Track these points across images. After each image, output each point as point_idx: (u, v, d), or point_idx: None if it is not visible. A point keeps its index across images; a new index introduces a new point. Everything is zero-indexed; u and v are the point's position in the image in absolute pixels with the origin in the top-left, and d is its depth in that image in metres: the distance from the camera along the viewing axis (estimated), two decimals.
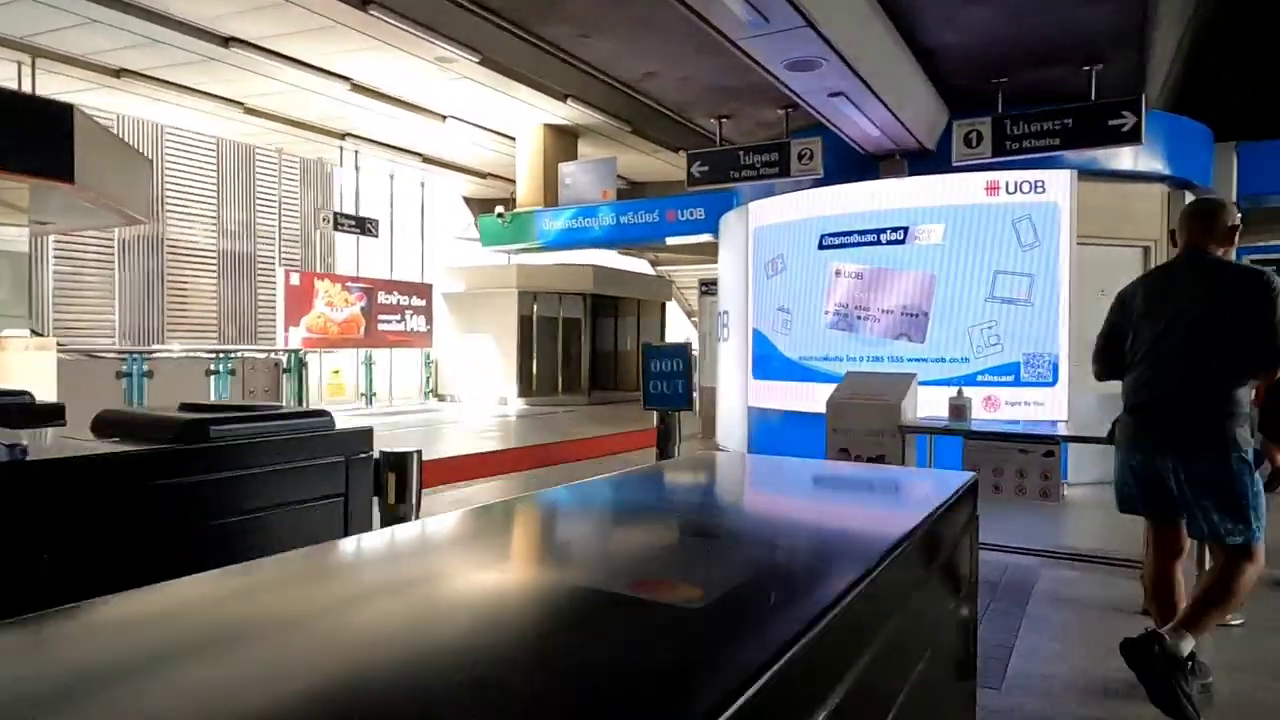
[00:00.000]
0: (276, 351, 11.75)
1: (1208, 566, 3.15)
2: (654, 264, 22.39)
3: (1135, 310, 2.85)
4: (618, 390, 18.72)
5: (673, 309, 22.01)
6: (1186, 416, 2.66)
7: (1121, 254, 7.52)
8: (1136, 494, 2.84)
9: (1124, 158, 7.19)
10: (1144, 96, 5.93)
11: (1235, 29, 9.88)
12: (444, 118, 12.50)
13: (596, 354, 18.40)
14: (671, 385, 2.04)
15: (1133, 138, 5.98)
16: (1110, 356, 2.97)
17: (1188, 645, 2.59)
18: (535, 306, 16.93)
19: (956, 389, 4.41)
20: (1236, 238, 2.81)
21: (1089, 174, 7.10)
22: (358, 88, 11.16)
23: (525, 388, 16.67)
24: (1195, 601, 2.67)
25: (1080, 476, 6.92)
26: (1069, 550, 5.00)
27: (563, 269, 17.23)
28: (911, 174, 7.09)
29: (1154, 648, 2.56)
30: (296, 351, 11.84)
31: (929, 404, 7.10)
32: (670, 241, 12.66)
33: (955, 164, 6.67)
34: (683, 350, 1.93)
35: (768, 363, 8.18)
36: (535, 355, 16.95)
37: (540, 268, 17.24)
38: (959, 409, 4.32)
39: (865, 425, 4.53)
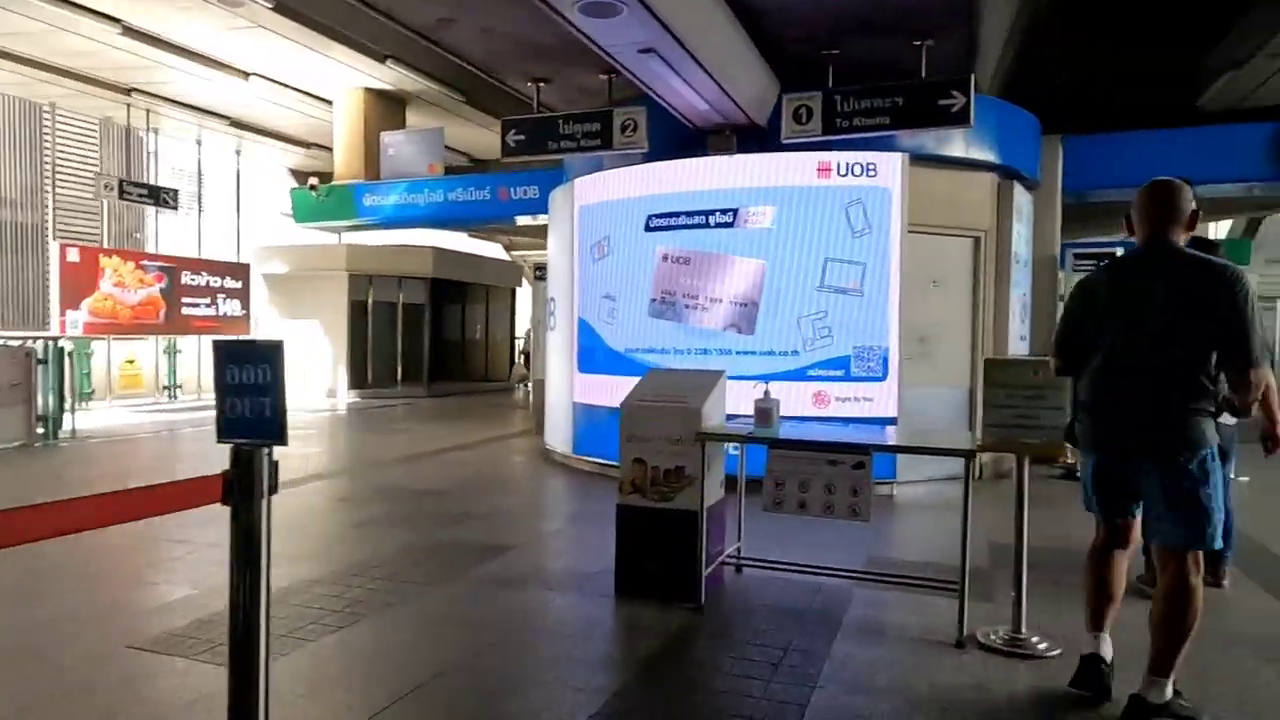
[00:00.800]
0: (36, 339, 10.01)
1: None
2: (508, 248, 21.37)
3: (1099, 302, 2.73)
4: (464, 381, 17.64)
5: (525, 295, 21.09)
6: (1154, 417, 2.57)
7: (953, 244, 7.29)
8: (1094, 494, 2.82)
9: (956, 144, 6.93)
10: (973, 77, 5.63)
11: (1062, 22, 10.00)
12: (247, 75, 11.06)
13: (440, 343, 17.22)
14: (256, 406, 1.35)
15: (962, 119, 5.68)
16: (1072, 350, 2.84)
17: (1168, 690, 2.59)
18: (370, 291, 15.58)
19: (764, 388, 3.81)
20: (1196, 223, 2.70)
21: (921, 159, 6.78)
22: (132, 32, 9.59)
23: (357, 379, 15.32)
24: (1163, 644, 2.59)
25: (910, 475, 6.63)
26: (888, 566, 4.56)
27: (399, 251, 15.96)
28: (741, 151, 6.56)
29: (1145, 714, 2.56)
30: (58, 338, 10.13)
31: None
32: (520, 222, 11.77)
33: (785, 141, 6.18)
34: (272, 354, 1.27)
35: (593, 355, 7.48)
36: (370, 344, 15.62)
37: (375, 249, 15.89)
38: (764, 412, 3.73)
39: (663, 432, 3.88)
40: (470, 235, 20.75)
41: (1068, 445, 3.11)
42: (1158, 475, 2.58)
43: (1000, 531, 5.31)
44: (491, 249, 21.58)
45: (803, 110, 6.06)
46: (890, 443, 4.06)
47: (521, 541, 5.02)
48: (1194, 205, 2.69)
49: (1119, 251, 7.87)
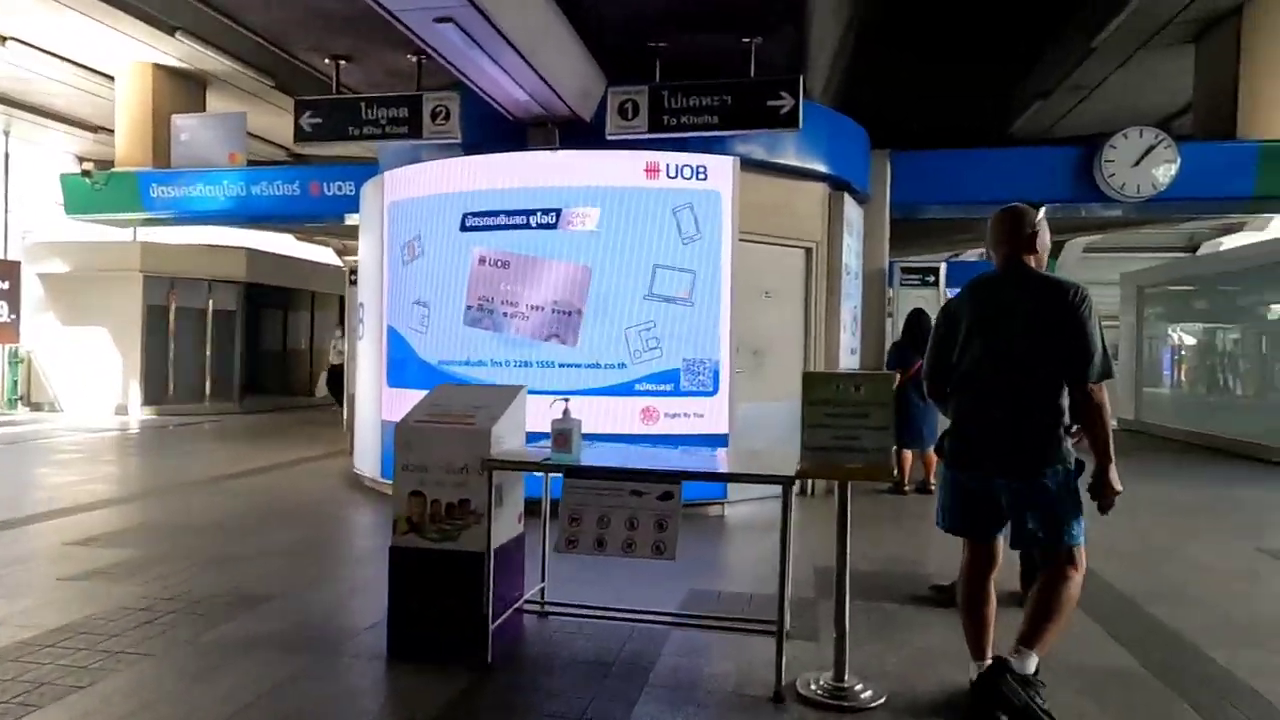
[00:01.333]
0: None
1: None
2: (341, 252, 19.91)
3: (961, 324, 2.82)
4: (283, 395, 16.12)
5: None
6: (1016, 435, 2.66)
7: (785, 254, 7.10)
8: (960, 514, 2.86)
9: (788, 152, 6.74)
10: (802, 79, 5.41)
11: (888, 43, 10.22)
12: (3, 39, 9.47)
13: (257, 354, 15.65)
14: None
15: (790, 121, 5.44)
16: (943, 375, 2.91)
17: (1032, 663, 2.70)
18: (172, 295, 13.91)
19: (563, 406, 3.28)
20: (1036, 244, 2.83)
21: (753, 165, 6.53)
22: None
23: (155, 394, 13.61)
24: (1033, 618, 2.68)
25: (742, 493, 6.32)
26: (711, 601, 4.13)
27: (208, 251, 14.38)
28: (564, 147, 6.05)
29: (1005, 675, 2.64)
30: None
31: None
32: (350, 221, 10.69)
33: (609, 137, 5.73)
34: None
35: (404, 368, 6.72)
36: (171, 355, 13.93)
37: (178, 248, 14.24)
38: (563, 435, 3.19)
39: (445, 458, 3.26)
40: (297, 238, 19.16)
41: (914, 458, 2.84)
42: (1021, 493, 2.67)
43: (831, 555, 5.07)
44: (323, 253, 20.07)
45: (629, 105, 5.65)
46: (706, 469, 3.61)
47: (287, 589, 4.22)
48: (1035, 227, 2.84)
49: (943, 268, 8.01)
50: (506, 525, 3.43)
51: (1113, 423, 3.00)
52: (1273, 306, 10.21)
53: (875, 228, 8.26)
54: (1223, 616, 4.00)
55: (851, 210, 7.66)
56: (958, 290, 3.06)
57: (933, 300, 8.07)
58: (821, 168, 7.03)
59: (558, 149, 6.06)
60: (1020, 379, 2.68)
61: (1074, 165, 8.10)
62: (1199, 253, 18.09)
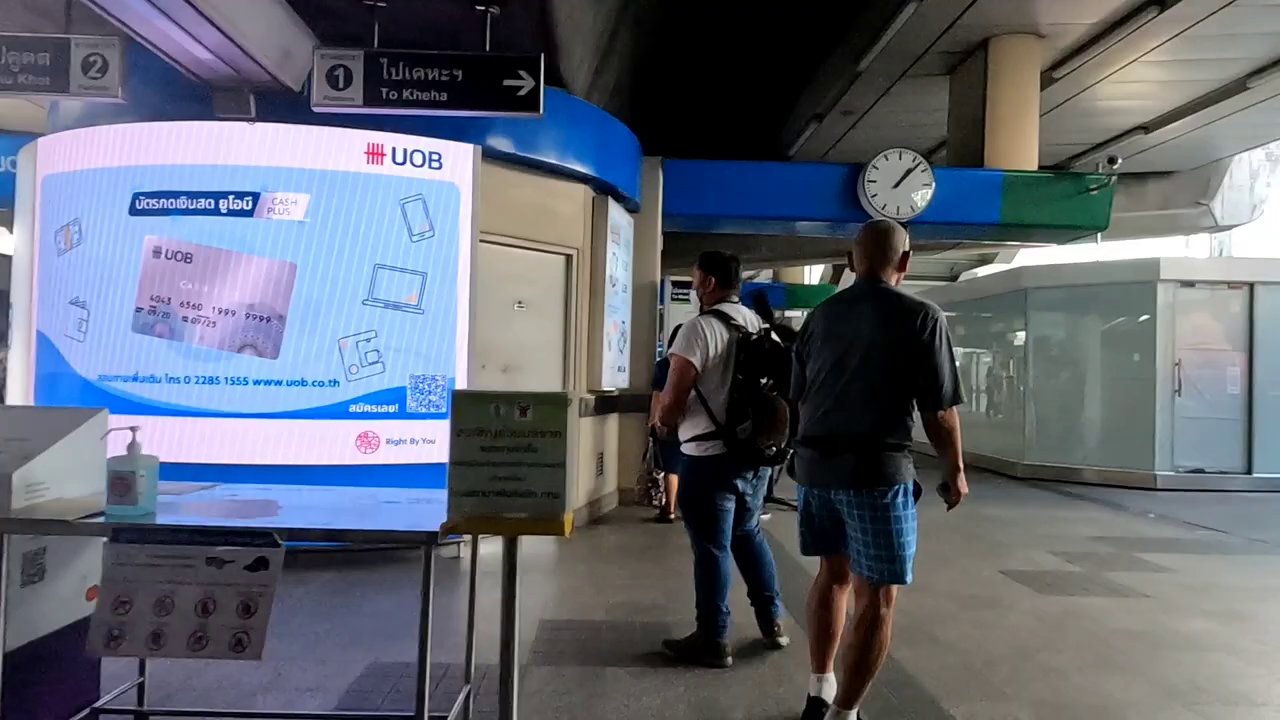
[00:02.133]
0: None
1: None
2: None
3: (814, 341, 2.83)
4: None
5: None
6: (860, 451, 2.65)
7: (542, 260, 6.42)
8: (806, 528, 2.86)
9: (545, 147, 6.08)
10: (542, 57, 4.76)
11: (668, 48, 9.95)
12: None
13: None
14: None
15: (529, 105, 4.78)
16: (800, 387, 2.90)
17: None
18: None
19: (131, 433, 2.31)
20: (905, 264, 2.83)
21: (502, 159, 5.81)
22: None
23: None
24: (852, 674, 2.66)
25: None
26: (387, 681, 3.27)
27: None
28: (265, 119, 5.01)
29: None
30: None
31: (288, 449, 5.09)
32: None
33: (316, 108, 4.78)
34: None
35: (55, 385, 5.32)
36: None
37: None
38: (122, 481, 2.23)
39: None
40: None
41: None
42: (855, 508, 2.65)
43: (570, 604, 4.44)
44: None
45: (340, 72, 4.73)
46: (322, 525, 2.53)
47: None
48: (908, 247, 2.83)
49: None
50: (55, 607, 2.41)
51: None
52: (1014, 332, 10.90)
53: (646, 238, 7.80)
54: (964, 658, 3.70)
55: (619, 217, 7.14)
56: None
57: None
58: (584, 168, 6.43)
59: (254, 120, 5.01)
60: (864, 395, 2.67)
61: (842, 185, 8.09)
62: (957, 281, 19.59)
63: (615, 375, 7.09)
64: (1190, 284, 9.89)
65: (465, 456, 2.16)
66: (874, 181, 7.87)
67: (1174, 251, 13.92)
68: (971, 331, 13.20)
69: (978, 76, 8.41)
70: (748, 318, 3.64)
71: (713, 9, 8.82)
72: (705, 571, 3.59)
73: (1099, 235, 12.24)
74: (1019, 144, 8.25)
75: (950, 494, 2.74)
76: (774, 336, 3.55)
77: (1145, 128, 10.82)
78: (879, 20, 8.12)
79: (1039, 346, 10.91)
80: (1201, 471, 9.72)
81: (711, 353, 3.48)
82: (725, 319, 3.56)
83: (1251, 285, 9.78)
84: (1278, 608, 4.70)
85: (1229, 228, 13.60)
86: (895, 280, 2.80)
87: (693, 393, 3.54)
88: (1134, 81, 9.32)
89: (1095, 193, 8.03)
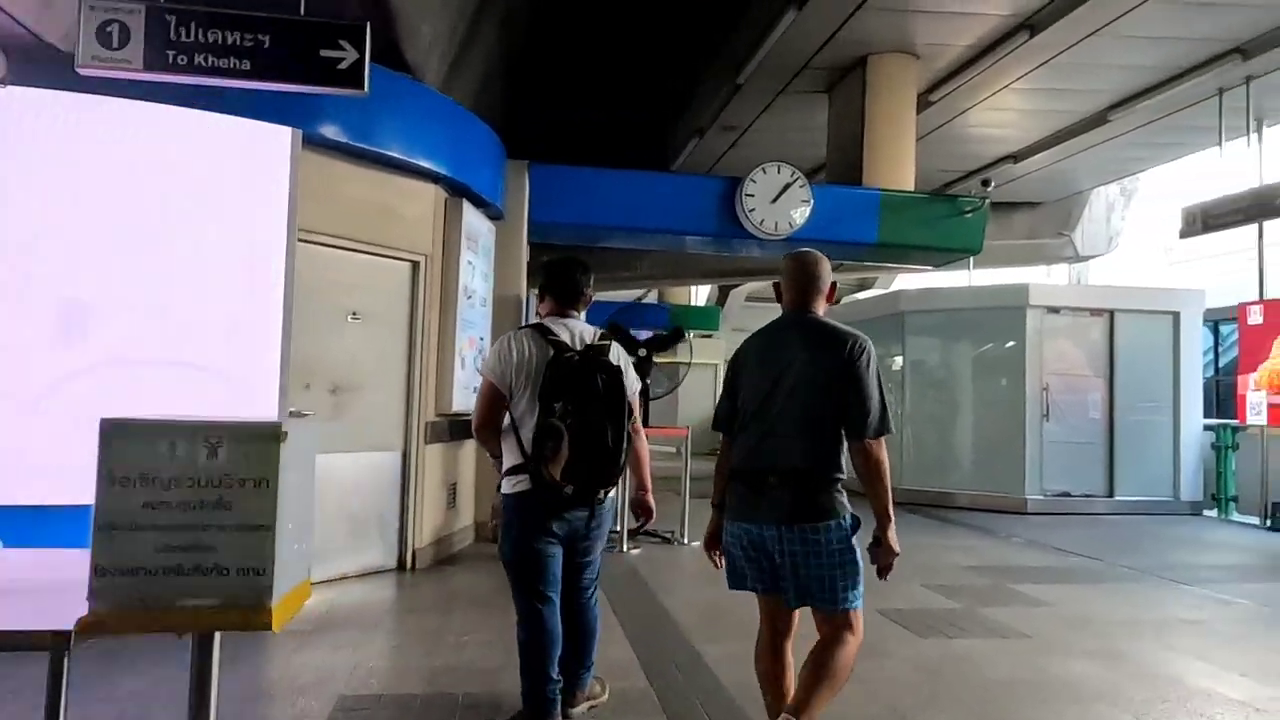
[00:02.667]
0: None
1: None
2: None
3: (745, 371, 2.76)
4: None
5: None
6: (793, 486, 2.58)
7: (383, 267, 5.69)
8: (746, 567, 2.70)
9: (385, 137, 5.38)
10: (368, 26, 4.09)
11: (540, 58, 9.43)
12: None
13: None
14: None
15: (352, 80, 4.09)
16: (730, 418, 2.78)
17: None
18: None
19: None
20: (833, 295, 2.79)
21: (332, 148, 5.08)
22: None
23: None
24: (807, 684, 2.53)
25: (342, 566, 4.70)
26: None
27: None
28: (21, 82, 4.11)
29: None
30: None
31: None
32: None
33: (81, 69, 3.92)
34: None
35: None
36: None
37: None
38: None
39: None
40: None
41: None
42: (800, 544, 2.56)
43: (378, 679, 3.69)
44: None
45: (114, 28, 3.90)
46: None
47: None
48: (833, 278, 2.79)
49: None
50: None
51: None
52: (891, 356, 10.85)
53: (510, 248, 7.18)
54: None
55: (477, 223, 6.48)
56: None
57: None
58: (434, 165, 5.75)
59: (6, 83, 4.09)
60: (800, 427, 2.61)
61: (720, 198, 7.70)
62: (837, 305, 19.83)
63: (469, 396, 6.39)
64: (1056, 310, 10.07)
65: (120, 516, 1.48)
66: (752, 196, 7.53)
67: (1038, 279, 14.38)
68: None
69: (856, 95, 8.25)
70: (579, 334, 3.08)
71: (586, 11, 8.35)
72: (525, 632, 2.97)
73: (971, 260, 12.48)
74: (896, 164, 8.12)
75: (882, 556, 2.59)
76: (587, 353, 2.99)
77: (1014, 157, 11.05)
78: (757, 32, 7.85)
79: (915, 370, 10.89)
80: (1068, 495, 9.85)
81: (516, 372, 2.97)
82: (545, 333, 3.03)
83: (1112, 313, 10.05)
84: (1152, 646, 4.50)
85: (1088, 258, 14.19)
86: (823, 310, 2.75)
87: (509, 418, 2.99)
88: (1004, 109, 9.44)
89: (969, 216, 7.97)
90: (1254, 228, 9.26)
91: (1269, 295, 9.59)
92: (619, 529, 6.76)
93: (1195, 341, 10.07)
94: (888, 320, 11.10)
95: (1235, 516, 9.78)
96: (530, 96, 10.04)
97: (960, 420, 10.64)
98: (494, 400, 3.00)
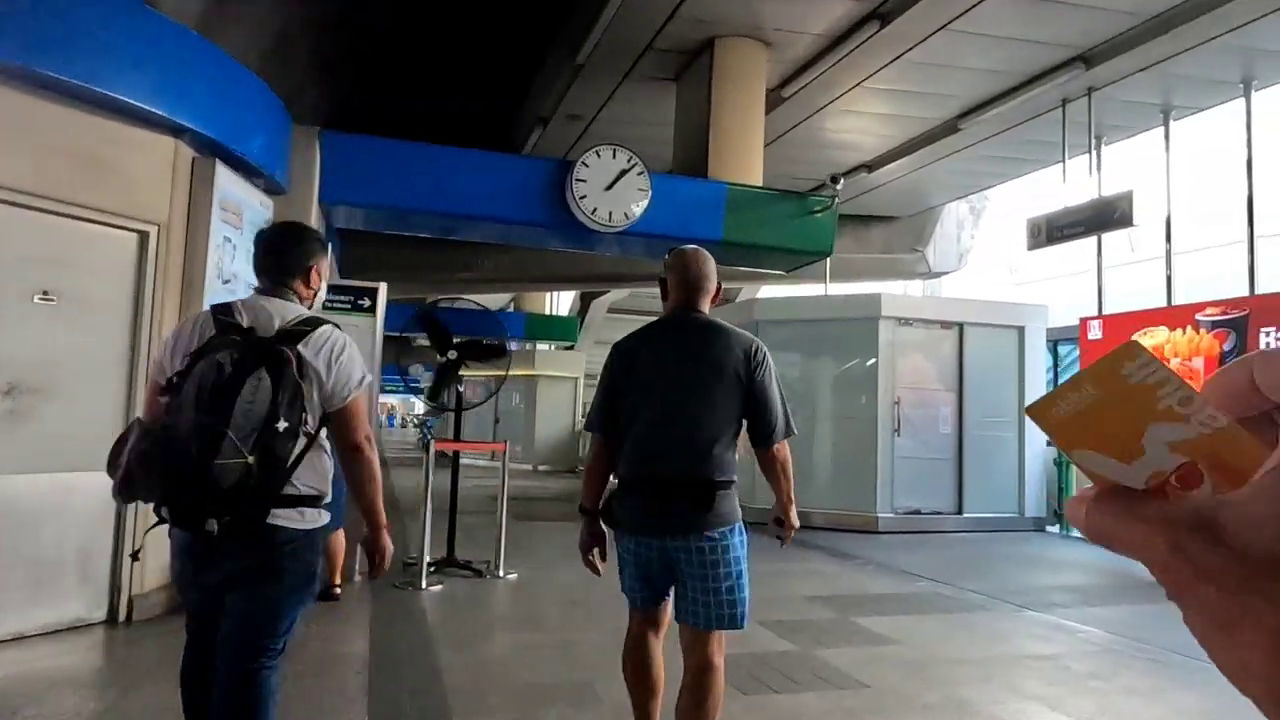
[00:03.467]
0: None
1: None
2: None
3: (633, 371, 2.62)
4: None
5: None
6: (686, 491, 2.49)
7: (93, 236, 4.47)
8: (637, 585, 2.59)
9: (102, 68, 4.20)
10: None
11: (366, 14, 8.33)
12: None
13: None
14: None
15: None
16: (611, 418, 2.63)
17: None
18: None
19: None
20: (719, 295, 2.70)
21: (20, 77, 3.86)
22: None
23: None
24: None
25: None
26: None
27: None
28: None
29: None
30: None
31: None
32: None
33: None
34: None
35: None
36: None
37: None
38: None
39: None
40: None
41: None
42: (690, 552, 2.46)
43: None
44: None
45: None
46: None
47: None
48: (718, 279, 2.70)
49: (383, 289, 6.04)
50: None
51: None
52: None
53: None
54: None
55: (243, 194, 5.33)
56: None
57: (367, 330, 6.03)
58: (170, 113, 4.58)
59: None
60: (692, 431, 2.49)
61: (548, 183, 6.84)
62: None
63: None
64: (908, 322, 9.80)
65: None
66: (584, 181, 6.70)
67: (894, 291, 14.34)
68: None
69: (703, 82, 7.62)
70: (274, 316, 2.24)
71: None
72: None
73: (828, 273, 12.18)
74: (744, 159, 7.53)
75: (784, 529, 2.70)
76: (248, 335, 2.14)
77: (869, 166, 10.81)
78: (594, 6, 7.08)
79: None
80: (918, 513, 9.54)
81: (172, 358, 2.22)
82: (223, 313, 2.25)
83: (961, 325, 9.87)
84: (1000, 693, 3.91)
85: (941, 274, 14.28)
86: (709, 310, 2.65)
87: None
88: (858, 112, 9.10)
89: (819, 215, 7.46)
90: (1094, 246, 9.28)
91: (1108, 311, 9.66)
92: (416, 559, 5.76)
93: (1039, 356, 10.03)
94: (743, 330, 10.54)
95: (1075, 533, 9.73)
96: (373, 88, 8.91)
97: (816, 435, 10.20)
98: (152, 394, 2.28)
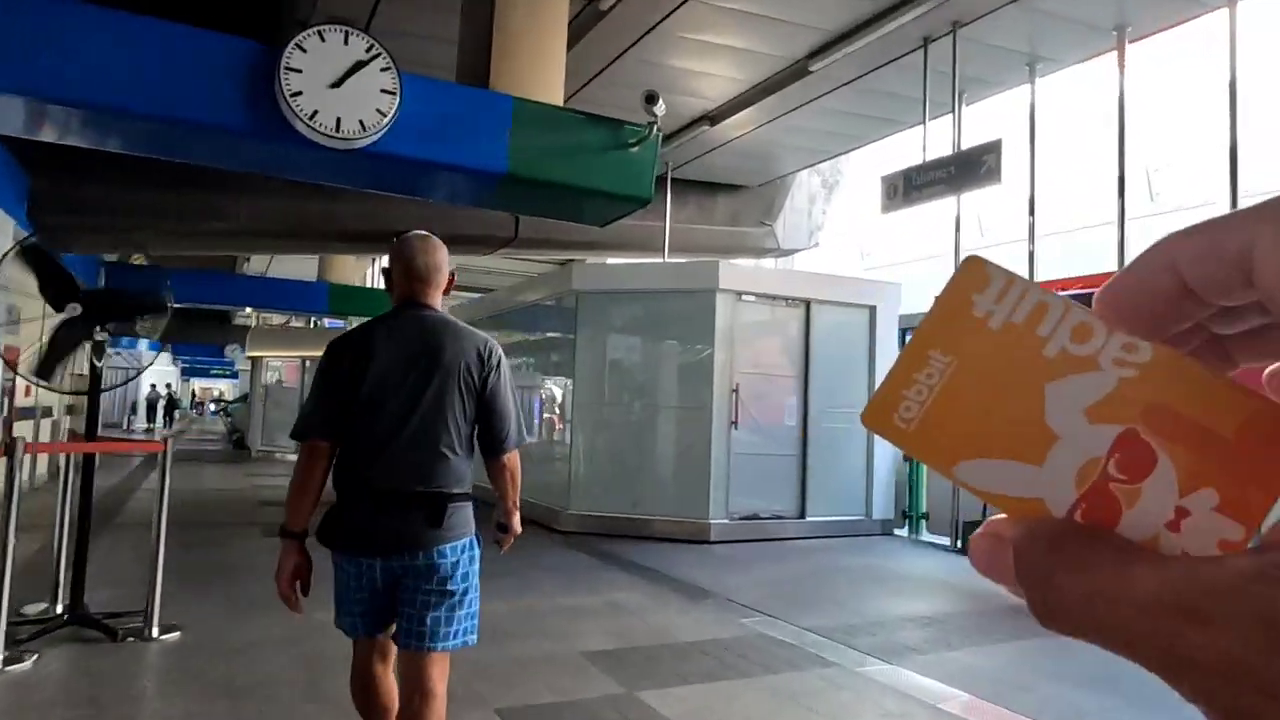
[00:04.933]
0: None
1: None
2: None
3: (355, 372, 2.31)
4: None
5: None
6: (428, 506, 2.23)
7: None
8: (360, 604, 2.27)
9: None
10: None
11: None
12: None
13: None
14: None
15: None
16: (331, 422, 2.29)
17: None
18: None
19: None
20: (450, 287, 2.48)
21: None
22: None
23: None
24: None
25: None
26: None
27: None
28: None
29: None
30: None
31: None
32: None
33: None
34: None
35: None
36: None
37: None
38: None
39: None
40: None
41: None
42: (416, 571, 2.22)
43: None
44: None
45: None
46: None
47: None
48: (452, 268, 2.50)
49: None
50: None
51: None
52: (561, 350, 8.67)
53: None
54: None
55: None
56: None
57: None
58: None
59: None
60: (430, 441, 2.26)
61: (250, 71, 4.82)
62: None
63: None
64: (749, 297, 8.44)
65: None
66: (298, 72, 4.73)
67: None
68: (513, 349, 10.91)
69: None
70: None
71: None
72: None
73: (666, 244, 10.67)
74: (539, 69, 5.81)
75: (507, 533, 2.46)
76: None
77: (711, 118, 9.36)
78: None
79: (590, 367, 8.77)
80: (757, 517, 8.22)
81: None
82: None
83: (808, 303, 8.61)
84: None
85: (790, 252, 13.16)
86: (439, 304, 2.40)
87: None
88: (696, 39, 7.57)
89: (635, 150, 5.83)
90: (952, 222, 8.20)
91: None
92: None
93: (891, 339, 8.93)
94: (560, 308, 8.92)
95: (925, 535, 8.72)
96: None
97: (644, 429, 8.69)
98: None
